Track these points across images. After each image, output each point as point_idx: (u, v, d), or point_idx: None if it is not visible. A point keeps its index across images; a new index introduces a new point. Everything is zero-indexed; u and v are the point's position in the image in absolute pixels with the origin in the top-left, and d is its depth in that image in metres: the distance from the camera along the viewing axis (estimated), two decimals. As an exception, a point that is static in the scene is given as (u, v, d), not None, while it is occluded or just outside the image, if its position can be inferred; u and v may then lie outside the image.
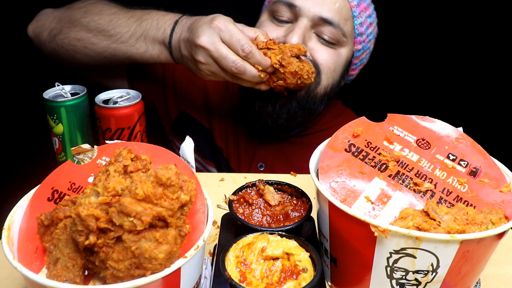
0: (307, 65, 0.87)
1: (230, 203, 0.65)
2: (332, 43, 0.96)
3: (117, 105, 0.85)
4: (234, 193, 0.67)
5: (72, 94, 0.86)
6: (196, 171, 1.15)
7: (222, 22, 0.81)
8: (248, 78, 0.83)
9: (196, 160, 1.15)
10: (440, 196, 0.57)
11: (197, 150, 1.14)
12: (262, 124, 0.99)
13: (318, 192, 0.58)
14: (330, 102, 1.07)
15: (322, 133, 1.07)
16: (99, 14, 0.97)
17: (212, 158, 1.15)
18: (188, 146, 0.60)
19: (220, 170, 1.13)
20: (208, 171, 1.15)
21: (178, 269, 0.46)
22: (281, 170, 0.96)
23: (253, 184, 0.68)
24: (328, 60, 0.95)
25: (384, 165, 0.60)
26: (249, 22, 0.92)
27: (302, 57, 0.88)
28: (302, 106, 0.97)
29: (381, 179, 0.58)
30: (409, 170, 0.60)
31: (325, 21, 0.92)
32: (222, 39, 0.81)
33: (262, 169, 1.11)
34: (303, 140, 1.12)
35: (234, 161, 1.12)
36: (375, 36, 1.08)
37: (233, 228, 0.65)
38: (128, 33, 0.93)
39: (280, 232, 0.59)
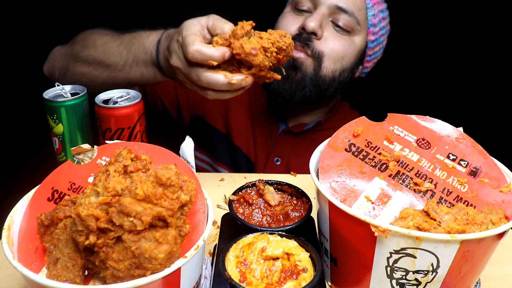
0: (255, 39, 0.71)
1: (230, 203, 0.65)
2: (346, 31, 1.05)
3: (117, 105, 0.84)
4: (234, 193, 0.67)
5: (72, 94, 0.86)
6: (205, 171, 1.18)
7: (184, 39, 0.75)
8: (219, 87, 0.73)
9: (205, 161, 1.20)
10: (440, 196, 0.57)
11: (208, 152, 1.20)
12: (280, 101, 1.08)
13: (318, 192, 0.58)
14: (341, 88, 1.13)
15: (333, 131, 1.16)
16: (93, 46, 0.99)
17: (226, 159, 1.19)
18: (188, 146, 0.60)
19: (236, 167, 1.18)
20: (218, 171, 1.19)
21: (178, 269, 0.46)
22: (296, 164, 1.05)
23: (253, 184, 0.68)
24: (338, 48, 1.04)
25: (384, 165, 0.60)
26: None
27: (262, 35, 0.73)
28: (314, 85, 1.05)
29: (381, 179, 0.58)
30: (409, 170, 0.60)
31: (340, 9, 1.03)
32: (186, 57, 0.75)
33: (278, 163, 1.17)
34: (315, 136, 1.18)
35: (252, 156, 1.18)
36: (388, 33, 1.17)
37: (233, 228, 0.65)
38: (121, 61, 0.94)
39: (280, 232, 0.59)
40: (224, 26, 0.75)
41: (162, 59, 0.85)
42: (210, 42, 0.75)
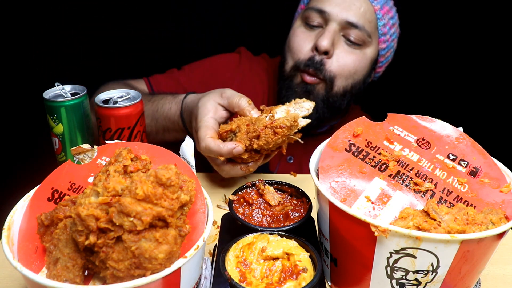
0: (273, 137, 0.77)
1: (230, 203, 0.65)
2: (358, 44, 1.06)
3: (117, 105, 0.84)
4: (234, 193, 0.67)
5: (72, 94, 0.86)
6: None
7: (197, 133, 0.82)
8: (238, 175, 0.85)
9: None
10: (440, 196, 0.57)
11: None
12: None
13: (318, 192, 0.58)
14: (353, 98, 1.15)
15: None
16: None
17: None
18: (188, 146, 0.60)
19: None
20: None
21: (178, 269, 0.46)
22: (308, 163, 1.01)
23: (253, 184, 0.68)
24: (349, 64, 1.06)
25: (384, 165, 0.60)
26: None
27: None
28: (326, 104, 1.08)
29: (381, 179, 0.58)
30: (409, 170, 0.60)
31: (351, 25, 1.03)
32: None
33: (291, 161, 1.20)
34: (328, 137, 1.17)
35: None
36: (398, 35, 1.18)
37: (233, 228, 0.65)
38: (153, 130, 1.03)
39: (280, 232, 0.59)
40: (240, 102, 0.82)
41: (190, 129, 0.93)
42: (229, 118, 0.85)
